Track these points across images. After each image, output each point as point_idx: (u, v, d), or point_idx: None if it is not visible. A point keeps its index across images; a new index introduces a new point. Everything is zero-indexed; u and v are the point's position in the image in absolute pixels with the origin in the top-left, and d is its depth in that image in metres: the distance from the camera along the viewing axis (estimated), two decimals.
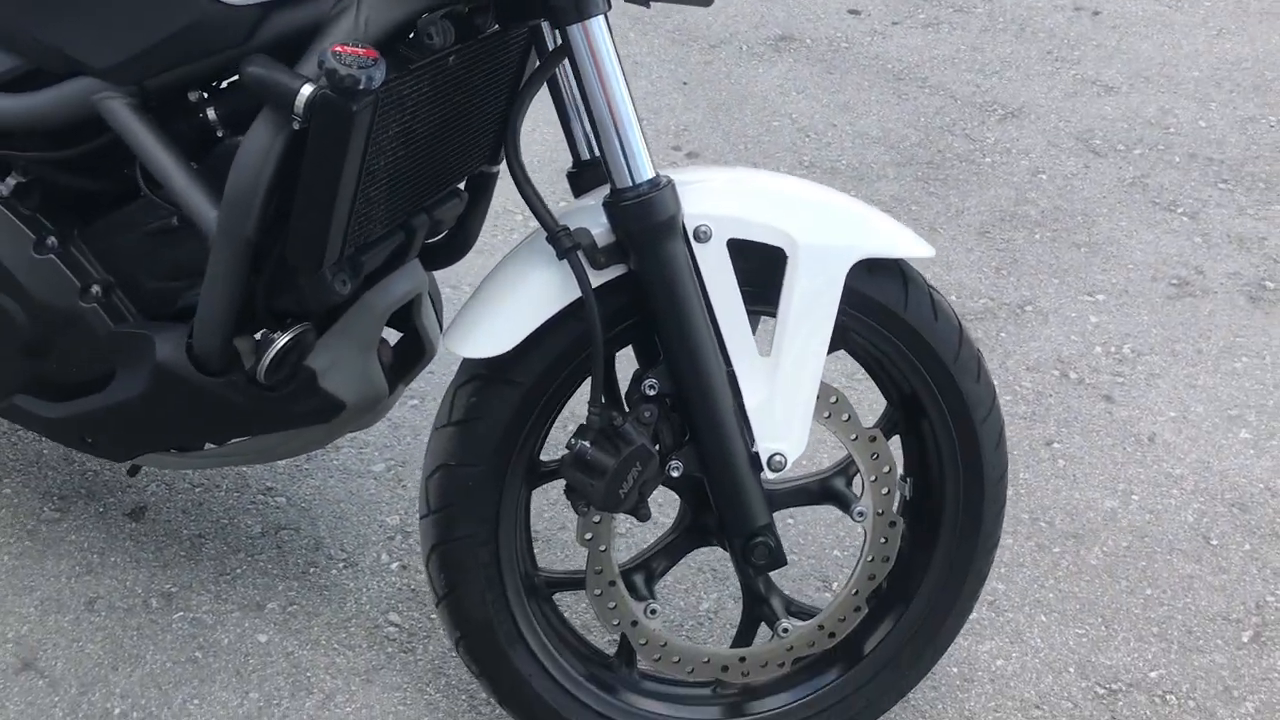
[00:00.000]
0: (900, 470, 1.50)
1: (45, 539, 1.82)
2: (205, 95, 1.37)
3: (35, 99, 1.38)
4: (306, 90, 1.21)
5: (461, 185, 1.58)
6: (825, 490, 1.51)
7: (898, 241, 1.38)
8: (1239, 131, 3.20)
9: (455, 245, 1.64)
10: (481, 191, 1.62)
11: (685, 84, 3.28)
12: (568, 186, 1.49)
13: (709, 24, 3.60)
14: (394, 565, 1.84)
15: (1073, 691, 1.72)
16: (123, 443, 1.52)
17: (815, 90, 3.30)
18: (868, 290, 1.38)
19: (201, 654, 1.68)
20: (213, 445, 1.55)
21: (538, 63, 1.40)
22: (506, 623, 1.43)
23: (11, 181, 1.45)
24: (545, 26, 1.40)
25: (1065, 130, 3.18)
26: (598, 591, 1.42)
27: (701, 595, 1.83)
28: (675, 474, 1.35)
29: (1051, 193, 2.92)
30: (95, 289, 1.45)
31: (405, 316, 1.58)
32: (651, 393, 1.33)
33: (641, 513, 1.35)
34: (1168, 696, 1.72)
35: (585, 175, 1.48)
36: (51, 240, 1.45)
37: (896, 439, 1.52)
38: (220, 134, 1.36)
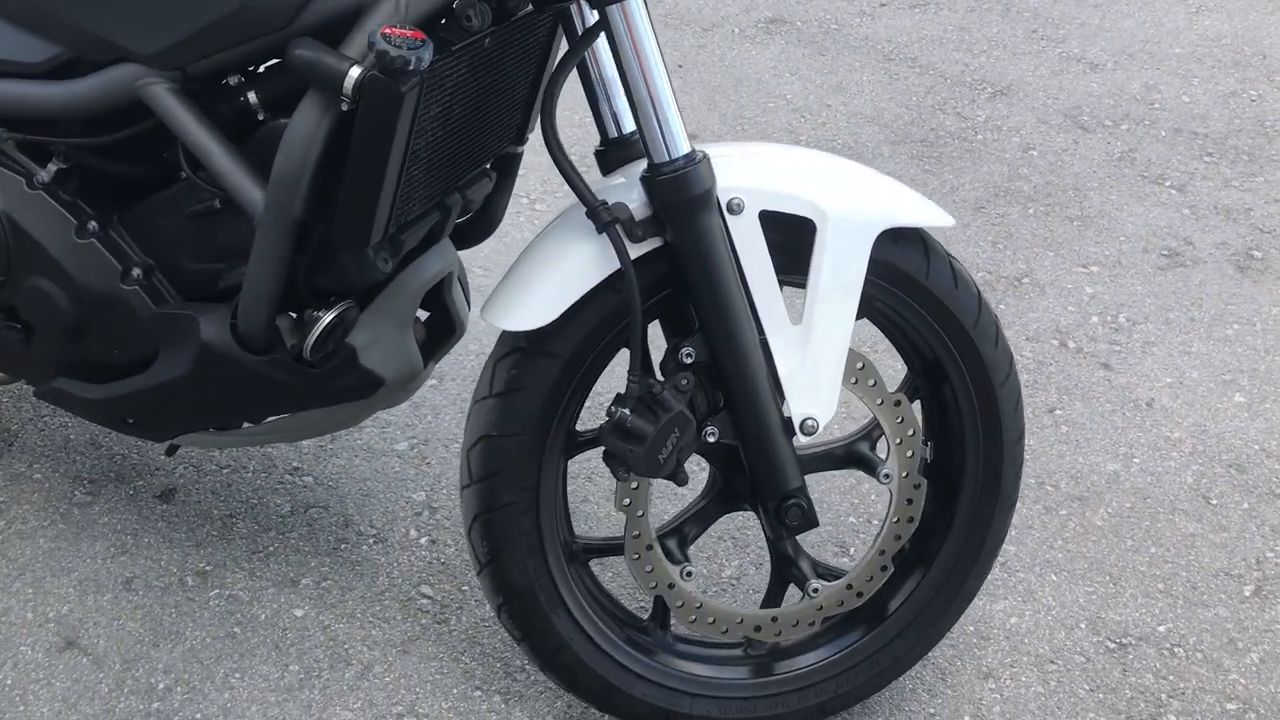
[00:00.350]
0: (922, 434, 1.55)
1: (78, 522, 1.85)
2: (244, 79, 1.40)
3: (77, 86, 1.40)
4: (355, 72, 1.24)
5: (488, 165, 1.61)
6: (850, 454, 1.56)
7: (921, 211, 1.43)
8: (1221, 106, 3.27)
9: (482, 225, 1.68)
10: (507, 172, 1.66)
11: (680, 67, 3.32)
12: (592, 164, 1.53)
13: (700, 8, 3.64)
14: (423, 540, 1.88)
15: (1084, 646, 1.78)
16: (164, 422, 1.56)
17: (808, 71, 3.34)
18: (891, 259, 1.43)
19: (240, 629, 1.71)
20: (250, 424, 1.58)
21: (565, 43, 1.44)
22: (548, 588, 1.47)
23: (52, 168, 1.47)
24: (574, 7, 1.43)
25: (1053, 107, 3.24)
26: (635, 556, 1.47)
27: (724, 562, 1.88)
28: (711, 439, 1.40)
29: (1043, 168, 2.98)
30: (136, 272, 1.48)
31: (435, 295, 1.62)
32: (688, 361, 1.37)
33: (680, 477, 1.40)
34: (1175, 649, 1.79)
35: (613, 153, 1.52)
36: (92, 225, 1.47)
37: (916, 403, 1.57)
38: (261, 117, 1.39)
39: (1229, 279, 2.61)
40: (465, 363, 2.24)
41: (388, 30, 1.21)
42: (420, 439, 2.07)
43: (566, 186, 2.77)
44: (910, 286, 1.45)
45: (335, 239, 1.34)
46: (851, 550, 1.92)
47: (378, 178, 1.29)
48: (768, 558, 1.87)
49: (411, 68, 1.20)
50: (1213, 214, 2.83)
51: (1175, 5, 3.81)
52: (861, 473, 1.97)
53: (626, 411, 1.35)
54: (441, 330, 1.66)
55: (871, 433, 1.58)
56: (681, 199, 1.31)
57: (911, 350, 1.54)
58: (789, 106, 3.17)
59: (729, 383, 1.38)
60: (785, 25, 3.58)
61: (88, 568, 1.78)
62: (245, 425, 1.59)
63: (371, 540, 1.87)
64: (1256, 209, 2.84)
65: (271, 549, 1.84)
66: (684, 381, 1.37)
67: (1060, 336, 2.42)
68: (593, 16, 1.48)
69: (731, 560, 1.89)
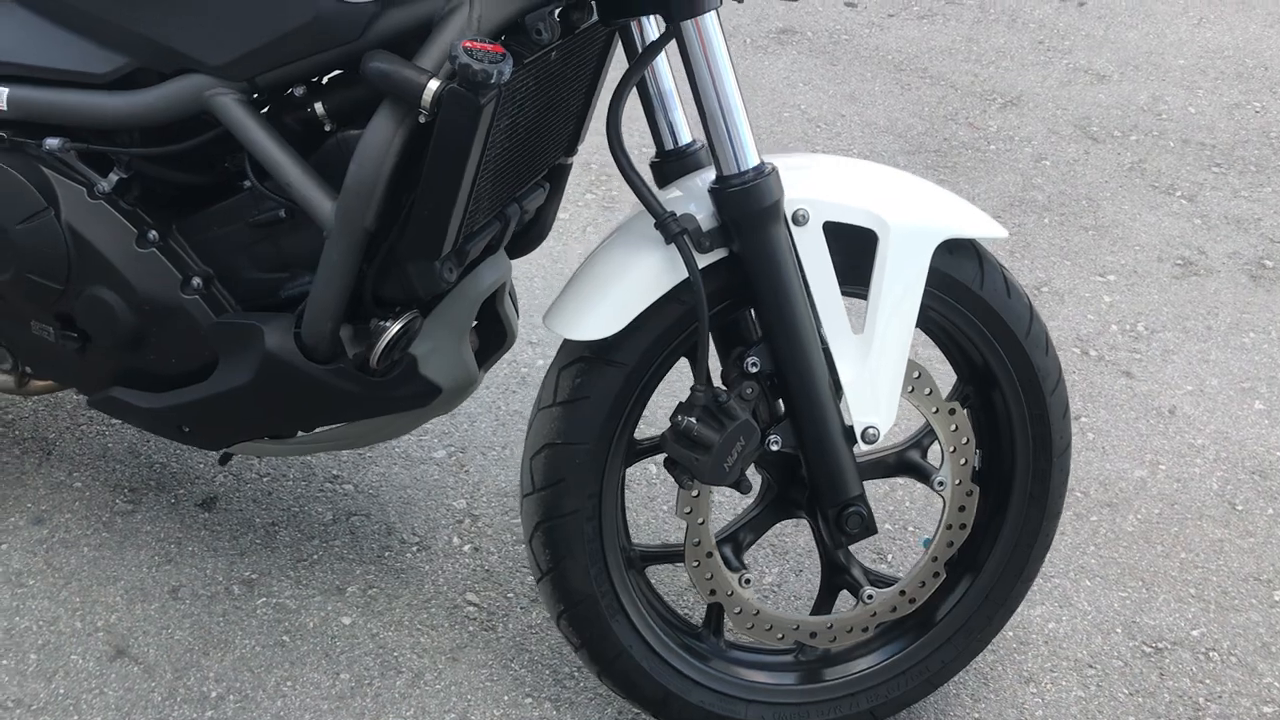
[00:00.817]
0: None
1: (121, 531, 1.85)
2: (309, 89, 1.41)
3: (144, 97, 1.41)
4: (434, 85, 1.25)
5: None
6: (902, 462, 1.59)
7: (976, 222, 1.45)
8: (1227, 117, 3.32)
9: (533, 234, 1.69)
10: (558, 182, 1.67)
11: None
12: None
13: None
14: (466, 548, 1.89)
15: (1121, 651, 1.81)
16: (222, 431, 1.56)
17: (820, 81, 3.37)
18: (947, 269, 1.46)
19: (289, 637, 1.72)
20: (305, 432, 1.59)
21: (622, 55, 1.45)
22: (609, 595, 1.48)
23: (113, 178, 1.47)
24: (634, 21, 1.45)
25: (1063, 118, 3.28)
26: (696, 563, 1.48)
27: (765, 569, 1.90)
28: (774, 448, 1.41)
29: (1056, 178, 3.02)
30: (196, 281, 1.48)
31: (487, 304, 1.63)
32: (753, 370, 1.39)
33: (744, 485, 1.41)
34: (1210, 653, 1.82)
35: (669, 164, 1.53)
36: (152, 234, 1.48)
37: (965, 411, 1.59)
38: (328, 128, 1.40)
39: (1243, 288, 2.65)
40: (498, 370, 2.25)
41: (469, 44, 1.22)
42: (458, 446, 2.07)
43: (587, 195, 2.79)
44: (965, 296, 1.48)
45: (407, 250, 1.35)
46: (889, 557, 1.94)
47: (452, 190, 1.30)
48: (807, 564, 1.90)
49: (493, 81, 1.21)
50: (1223, 224, 2.87)
51: (1177, 17, 3.86)
52: (902, 480, 2.01)
53: (692, 420, 1.36)
54: (493, 339, 1.67)
55: (921, 440, 1.60)
56: (751, 211, 1.33)
57: (962, 358, 1.56)
58: (803, 116, 3.20)
59: (792, 391, 1.40)
60: (796, 35, 3.61)
61: (133, 576, 1.78)
62: (299, 434, 1.60)
63: (415, 548, 1.88)
64: (1266, 219, 2.89)
65: (316, 557, 1.84)
66: (748, 390, 1.39)
67: (1081, 345, 2.45)
68: (652, 30, 1.50)
69: (772, 567, 1.90)
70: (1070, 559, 1.96)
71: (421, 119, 1.28)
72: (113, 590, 1.76)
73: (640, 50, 1.50)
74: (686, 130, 1.56)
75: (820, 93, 3.31)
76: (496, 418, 2.15)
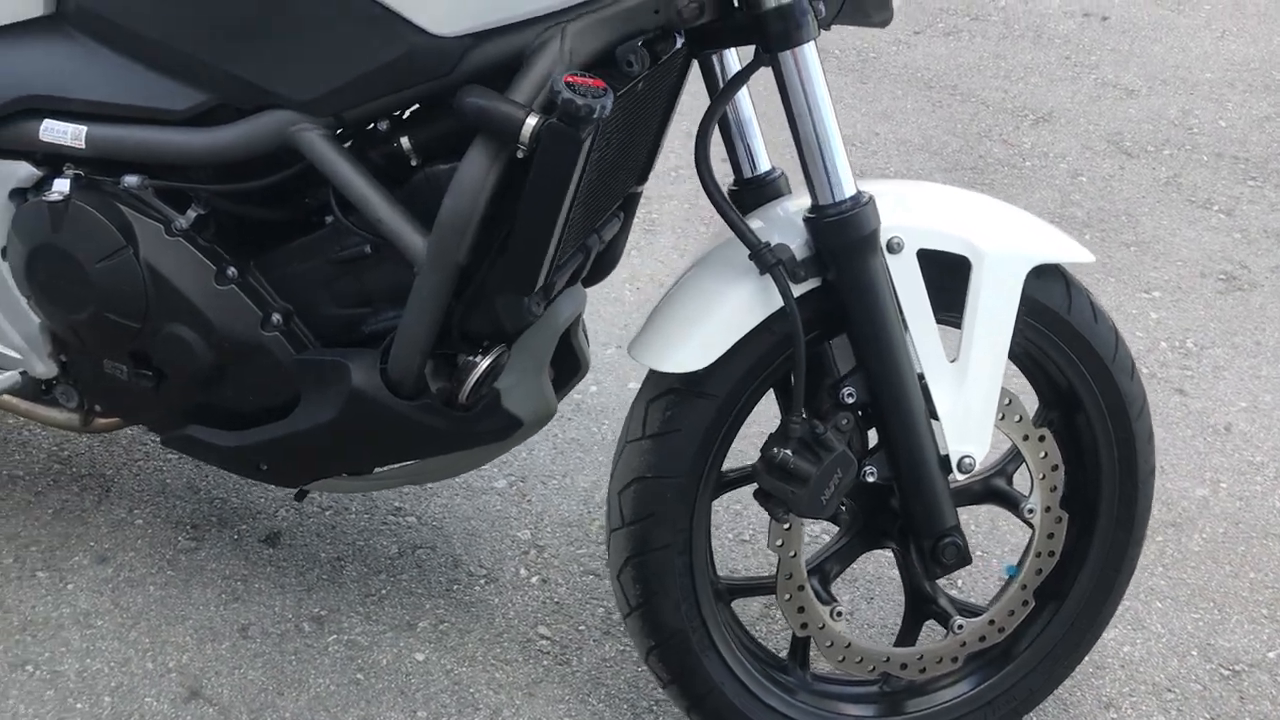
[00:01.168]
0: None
1: (186, 568, 1.83)
2: (393, 124, 1.39)
3: (226, 133, 1.39)
4: (532, 121, 1.24)
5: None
6: (989, 490, 1.57)
7: (1066, 247, 1.44)
8: (1258, 130, 3.32)
9: (605, 263, 1.68)
10: (630, 210, 1.66)
11: None
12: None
13: None
14: (534, 579, 1.87)
15: (1199, 674, 1.79)
16: (300, 468, 1.54)
17: (852, 100, 3.37)
18: (1036, 294, 1.44)
19: (363, 675, 1.69)
20: (382, 468, 1.57)
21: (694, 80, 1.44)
22: (699, 630, 1.46)
23: (191, 214, 1.46)
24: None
25: (1095, 133, 3.28)
26: (788, 596, 1.47)
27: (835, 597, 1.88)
28: (870, 479, 1.40)
29: (1093, 194, 3.02)
30: (275, 317, 1.46)
31: (562, 334, 1.61)
32: (850, 401, 1.37)
33: (840, 518, 1.40)
34: None
35: (748, 192, 1.52)
36: (231, 270, 1.46)
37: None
38: (414, 162, 1.38)
39: None
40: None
41: (570, 78, 1.21)
42: (518, 476, 2.05)
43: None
44: (1053, 321, 1.46)
45: (500, 284, 1.34)
46: (959, 582, 1.92)
47: (549, 224, 1.28)
48: (877, 591, 1.88)
49: (596, 115, 1.20)
50: (1263, 237, 2.87)
51: (1200, 30, 3.87)
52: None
53: (789, 452, 1.35)
54: (566, 369, 1.65)
55: (1006, 467, 1.58)
56: (849, 241, 1.32)
57: (1045, 382, 1.55)
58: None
59: (889, 421, 1.38)
60: (823, 54, 3.58)
61: (201, 615, 1.76)
62: (376, 470, 1.58)
63: (483, 581, 1.86)
64: None
65: (384, 592, 1.82)
66: (844, 421, 1.37)
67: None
68: (733, 58, 1.49)
69: (843, 595, 1.88)
70: (1140, 580, 1.94)
71: (519, 154, 1.26)
72: (182, 630, 1.73)
73: (721, 79, 1.49)
74: (765, 157, 1.55)
75: (853, 111, 3.30)
76: (555, 446, 2.13)
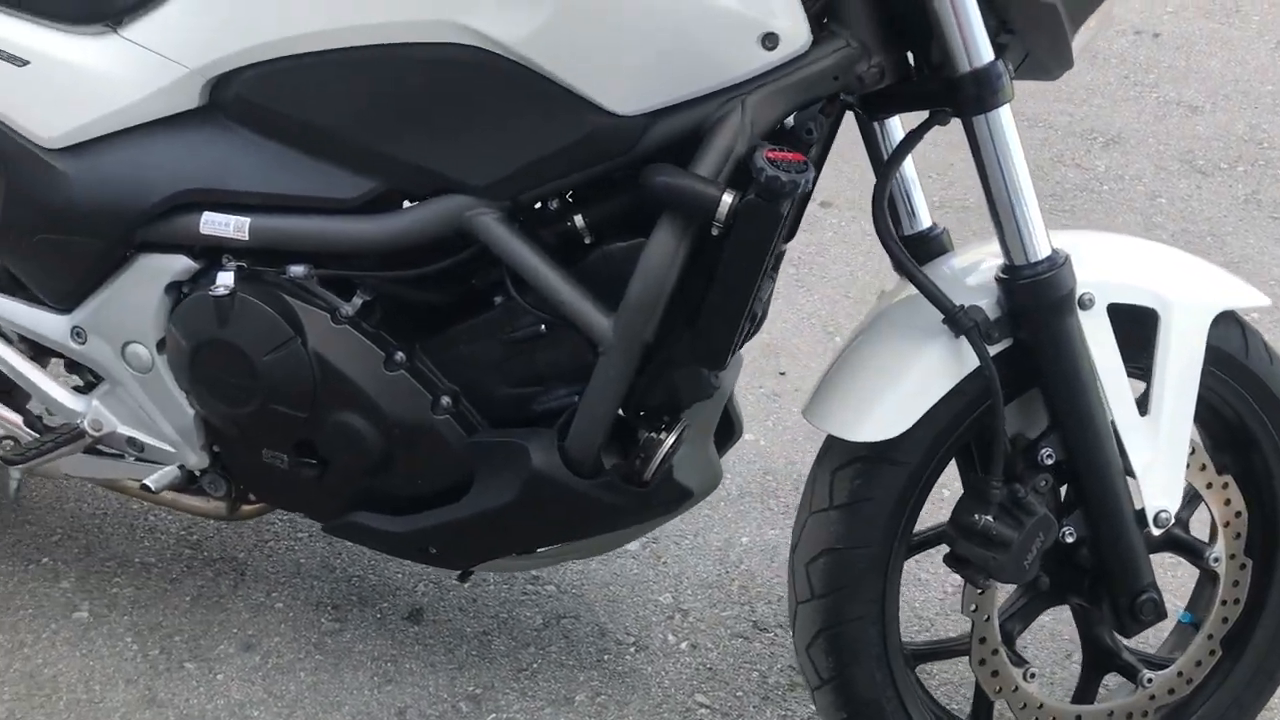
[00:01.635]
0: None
1: (333, 651, 1.80)
2: (565, 202, 1.38)
3: (400, 220, 1.38)
4: (728, 198, 1.22)
5: None
6: (1169, 540, 1.54)
7: (1244, 293, 1.43)
8: None
9: (756, 321, 1.66)
10: (778, 269, 1.64)
11: None
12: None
13: None
14: (683, 645, 1.84)
15: None
16: (471, 551, 1.52)
17: None
18: (1215, 342, 1.42)
19: None
20: (545, 547, 1.55)
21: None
22: (893, 700, 1.44)
23: (357, 301, 1.44)
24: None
25: (1166, 153, 3.26)
26: (981, 660, 1.44)
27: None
28: (1069, 539, 1.37)
29: (1174, 215, 3.00)
30: (445, 400, 1.44)
31: None
32: (1049, 461, 1.35)
33: (1040, 582, 1.37)
34: None
35: (911, 248, 1.50)
36: (399, 355, 1.44)
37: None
38: (588, 240, 1.36)
39: None
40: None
41: (771, 154, 1.20)
42: (650, 537, 2.03)
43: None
44: (1233, 368, 1.44)
45: (692, 359, 1.32)
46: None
47: (744, 297, 1.27)
48: (1029, 641, 1.85)
49: (800, 191, 1.19)
50: None
51: (1254, 42, 3.86)
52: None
53: (990, 518, 1.32)
54: (723, 432, 1.63)
55: (1181, 514, 1.55)
56: (1046, 302, 1.30)
57: (1219, 426, 1.52)
58: (915, 164, 3.17)
59: (1086, 480, 1.36)
60: None
61: (356, 700, 1.73)
62: (540, 549, 1.55)
63: (632, 649, 1.83)
64: None
65: (535, 665, 1.79)
66: (1043, 482, 1.35)
67: None
68: (896, 124, 1.48)
69: None
70: None
71: (714, 231, 1.25)
72: (339, 716, 1.70)
73: (882, 139, 1.48)
74: (926, 213, 1.53)
75: (926, 141, 3.27)
76: None
